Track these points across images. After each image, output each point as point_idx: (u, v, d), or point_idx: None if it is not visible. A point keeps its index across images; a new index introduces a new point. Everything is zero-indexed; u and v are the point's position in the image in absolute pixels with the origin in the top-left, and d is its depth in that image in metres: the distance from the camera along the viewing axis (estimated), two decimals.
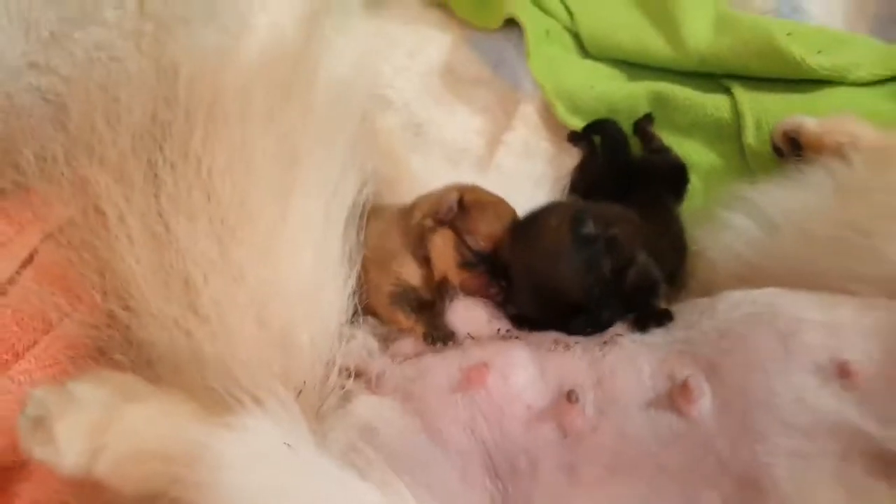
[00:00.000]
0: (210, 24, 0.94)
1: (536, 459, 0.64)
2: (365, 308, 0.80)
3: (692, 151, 0.96)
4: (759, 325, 0.64)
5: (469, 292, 0.76)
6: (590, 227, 0.71)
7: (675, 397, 0.63)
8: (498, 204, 0.80)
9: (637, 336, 0.69)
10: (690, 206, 0.92)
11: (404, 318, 0.78)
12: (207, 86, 0.75)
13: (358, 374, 0.73)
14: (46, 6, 0.74)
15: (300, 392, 0.69)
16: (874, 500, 0.54)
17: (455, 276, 0.76)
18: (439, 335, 0.75)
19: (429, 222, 0.79)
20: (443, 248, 0.77)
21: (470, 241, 0.76)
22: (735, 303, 0.68)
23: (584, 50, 1.06)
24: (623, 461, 0.63)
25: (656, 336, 0.69)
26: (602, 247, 0.71)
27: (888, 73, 0.95)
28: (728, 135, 0.96)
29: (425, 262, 0.79)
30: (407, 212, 0.83)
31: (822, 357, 0.60)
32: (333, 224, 0.78)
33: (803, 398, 0.59)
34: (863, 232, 0.69)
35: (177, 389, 0.64)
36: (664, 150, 0.95)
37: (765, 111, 0.94)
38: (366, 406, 0.69)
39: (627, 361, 0.67)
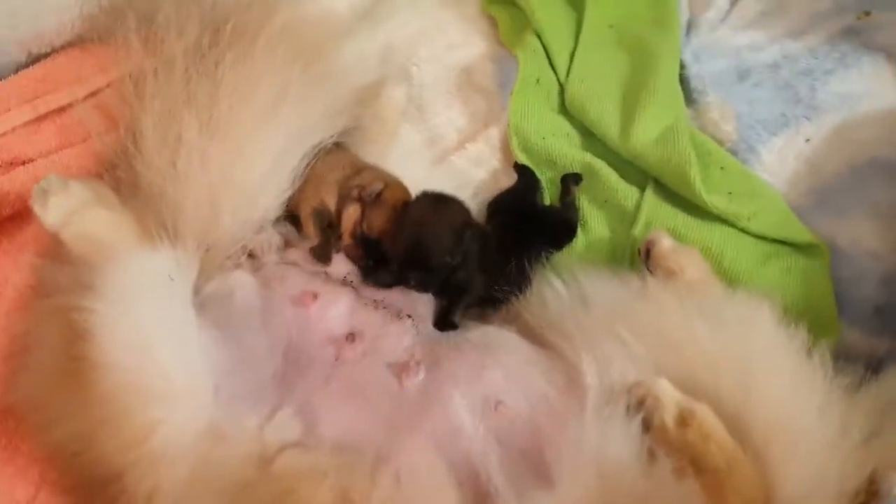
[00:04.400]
0: None
1: (312, 363, 0.95)
2: (290, 215, 1.12)
3: (594, 220, 1.17)
4: (478, 353, 0.93)
5: (347, 255, 1.06)
6: (469, 234, 1.03)
7: (403, 370, 0.92)
8: (399, 209, 1.06)
9: (416, 320, 0.98)
10: (564, 256, 1.14)
11: (312, 230, 1.08)
12: (253, 23, 1.06)
13: (252, 256, 1.06)
14: None
15: (207, 250, 1.02)
16: None
17: (345, 239, 1.06)
18: (320, 254, 1.05)
19: (355, 192, 1.07)
20: (349, 217, 1.06)
21: (364, 225, 1.05)
22: (483, 332, 0.97)
23: (564, 104, 1.26)
24: (356, 390, 0.93)
25: (426, 327, 0.98)
26: (463, 250, 1.01)
27: (774, 234, 1.11)
28: (626, 222, 1.16)
29: (339, 211, 1.08)
30: (356, 169, 1.12)
31: (490, 394, 0.88)
32: (292, 153, 1.07)
33: (462, 413, 0.87)
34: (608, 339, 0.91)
35: (135, 212, 1.00)
36: (570, 207, 1.16)
37: (657, 216, 1.13)
38: (238, 278, 1.02)
39: (399, 334, 0.97)
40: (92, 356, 0.83)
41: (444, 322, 1.01)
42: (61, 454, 0.88)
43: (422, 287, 1.02)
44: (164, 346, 0.86)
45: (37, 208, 0.94)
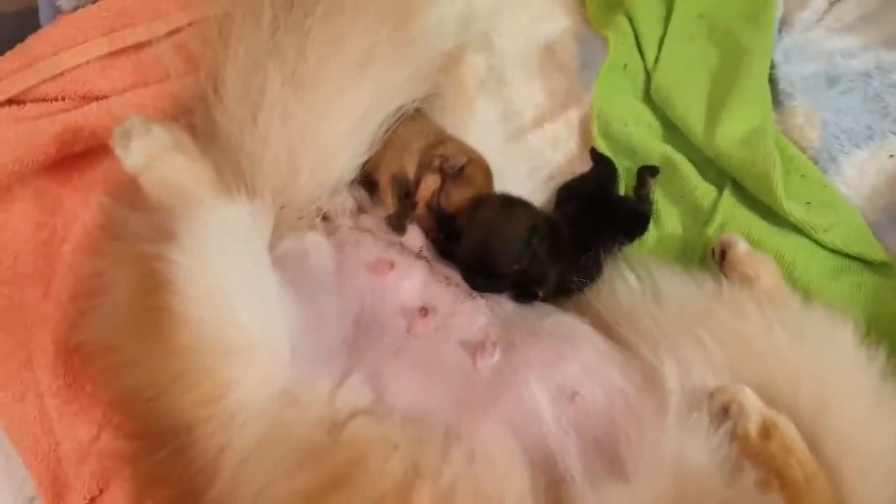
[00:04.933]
0: None
1: (383, 332, 0.94)
2: (366, 179, 1.10)
3: (668, 215, 1.15)
4: (555, 342, 0.91)
5: (419, 224, 1.04)
6: (536, 240, 0.98)
7: (477, 349, 0.91)
8: (481, 190, 1.04)
9: (490, 301, 0.97)
10: (634, 249, 1.12)
11: (391, 197, 1.05)
12: None
13: (326, 218, 1.04)
14: None
15: (282, 207, 1.00)
16: None
17: (420, 208, 1.03)
18: (395, 224, 1.04)
19: (437, 162, 1.04)
20: (427, 187, 1.03)
21: (442, 198, 1.03)
22: (558, 320, 0.95)
23: (648, 92, 1.23)
24: (427, 364, 0.92)
25: (501, 310, 0.96)
26: (533, 252, 0.98)
27: (848, 249, 1.09)
28: (700, 220, 1.14)
29: (417, 179, 1.06)
30: (440, 139, 1.09)
31: (567, 383, 0.87)
32: (374, 115, 1.05)
33: (539, 398, 0.86)
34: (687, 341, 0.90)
35: (212, 161, 0.98)
36: (645, 199, 1.15)
37: (733, 218, 1.11)
38: (313, 240, 1.00)
39: (472, 313, 0.95)
40: (173, 307, 0.82)
41: (525, 293, 0.99)
42: (130, 399, 0.87)
43: (490, 291, 0.99)
44: (245, 301, 0.85)
45: (118, 150, 0.92)
